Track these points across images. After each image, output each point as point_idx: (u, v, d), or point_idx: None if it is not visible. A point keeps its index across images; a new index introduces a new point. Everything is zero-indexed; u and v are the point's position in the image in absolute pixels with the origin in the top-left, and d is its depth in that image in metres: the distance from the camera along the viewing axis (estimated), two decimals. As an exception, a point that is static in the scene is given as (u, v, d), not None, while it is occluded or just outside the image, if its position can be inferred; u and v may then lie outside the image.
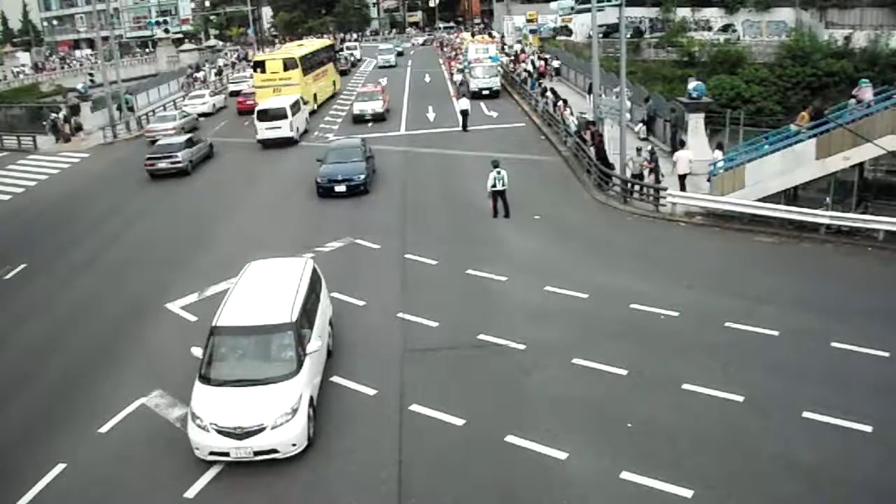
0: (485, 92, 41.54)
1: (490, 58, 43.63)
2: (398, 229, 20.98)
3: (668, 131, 27.30)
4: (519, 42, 61.92)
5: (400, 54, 70.77)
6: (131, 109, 44.24)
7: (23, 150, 37.68)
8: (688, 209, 21.01)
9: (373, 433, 11.46)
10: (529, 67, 46.29)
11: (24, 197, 29.45)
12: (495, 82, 42.69)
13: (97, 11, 50.69)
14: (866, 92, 21.73)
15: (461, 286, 16.78)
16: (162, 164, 29.40)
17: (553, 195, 23.77)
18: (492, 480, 10.29)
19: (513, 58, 52.90)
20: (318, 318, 12.69)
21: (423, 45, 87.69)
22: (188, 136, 32.41)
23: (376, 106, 37.60)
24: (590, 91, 31.45)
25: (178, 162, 29.36)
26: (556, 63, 48.19)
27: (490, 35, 59.09)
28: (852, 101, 22.23)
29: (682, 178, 22.32)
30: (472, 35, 50.43)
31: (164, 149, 30.12)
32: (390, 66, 63.02)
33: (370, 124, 37.13)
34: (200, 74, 59.77)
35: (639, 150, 23.20)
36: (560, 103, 32.15)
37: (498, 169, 20.83)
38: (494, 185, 20.86)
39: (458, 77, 46.09)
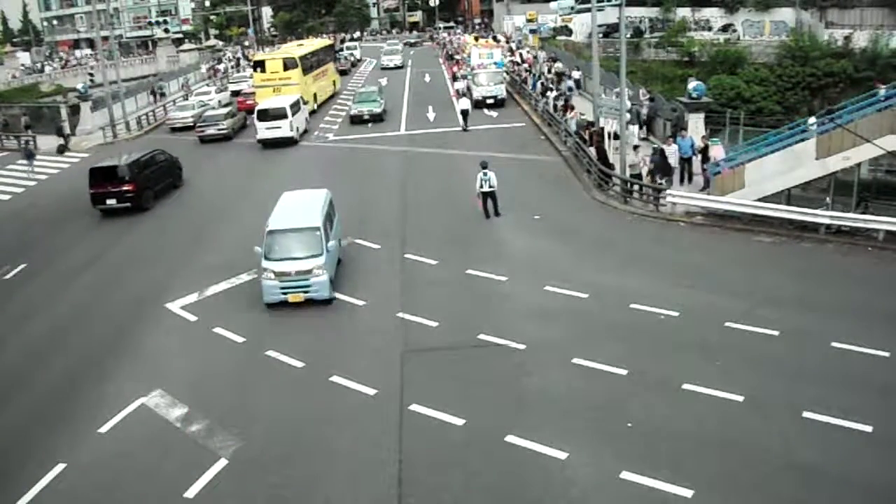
0: (489, 101, 38.41)
1: (495, 63, 40.23)
2: (398, 229, 20.97)
3: (668, 131, 27.26)
4: (519, 42, 61.90)
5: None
6: (163, 95, 50.49)
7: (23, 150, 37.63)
8: (688, 209, 20.99)
9: (373, 433, 11.47)
10: (520, 61, 45.36)
11: (25, 197, 29.48)
12: (500, 90, 39.18)
13: (97, 11, 50.60)
14: (717, 150, 22.55)
15: (461, 286, 16.78)
16: (210, 131, 35.54)
17: (553, 195, 23.75)
18: (491, 480, 10.29)
19: (510, 55, 52.60)
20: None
21: (421, 44, 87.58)
22: (228, 108, 38.78)
23: None
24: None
25: (224, 129, 35.73)
26: (576, 74, 41.14)
27: (495, 39, 56.93)
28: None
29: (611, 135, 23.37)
30: (476, 39, 48.97)
31: (211, 118, 36.28)
32: (397, 68, 60.42)
33: (370, 125, 37.04)
34: (221, 67, 66.10)
35: (636, 147, 23.18)
36: (559, 104, 32.10)
37: (484, 171, 20.84)
38: (482, 187, 20.90)
39: (460, 84, 41.96)
